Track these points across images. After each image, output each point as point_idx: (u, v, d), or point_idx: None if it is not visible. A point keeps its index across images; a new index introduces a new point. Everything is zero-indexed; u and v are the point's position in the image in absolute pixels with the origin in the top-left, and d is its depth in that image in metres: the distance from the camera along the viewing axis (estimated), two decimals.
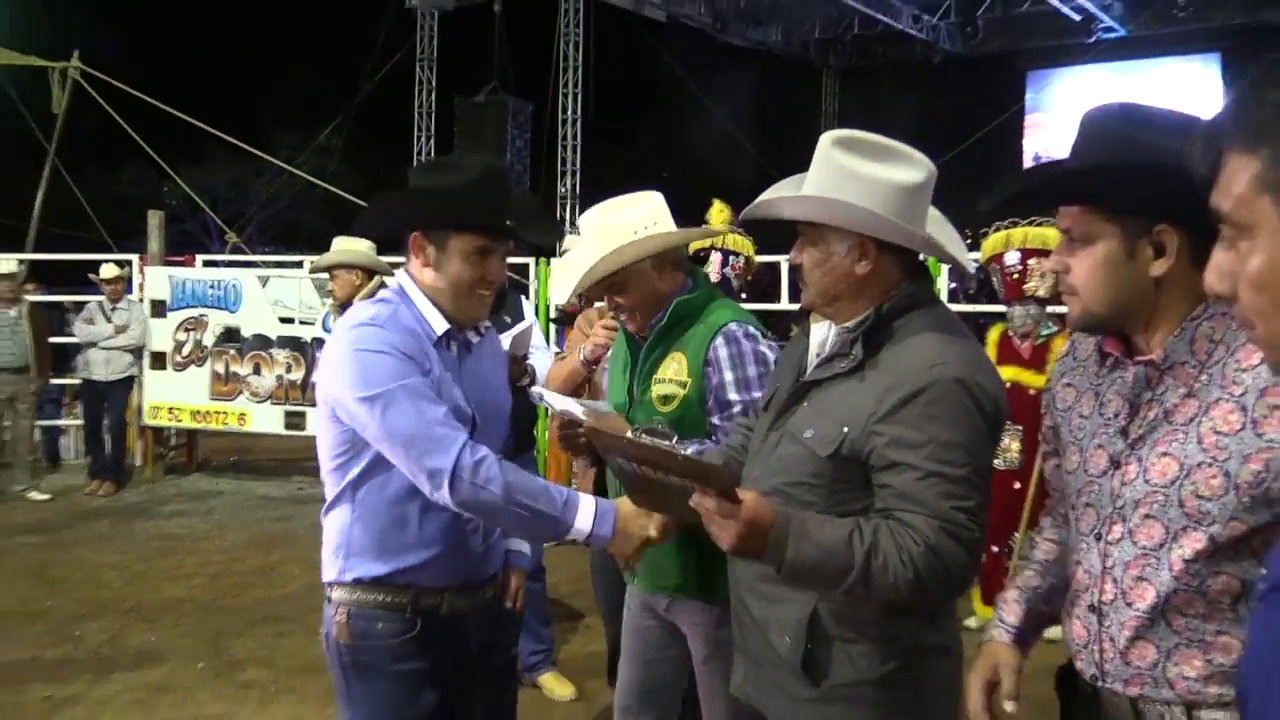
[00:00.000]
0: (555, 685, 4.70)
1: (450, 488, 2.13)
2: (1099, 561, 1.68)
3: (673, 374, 2.69)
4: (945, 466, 1.87)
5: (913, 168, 2.04)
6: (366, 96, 17.57)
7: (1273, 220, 1.02)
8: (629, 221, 2.73)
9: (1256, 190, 1.02)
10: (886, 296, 2.03)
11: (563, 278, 3.04)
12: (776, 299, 8.58)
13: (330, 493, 2.38)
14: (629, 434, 2.20)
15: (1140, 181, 1.45)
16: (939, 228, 2.14)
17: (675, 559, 2.73)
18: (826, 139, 2.07)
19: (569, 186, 16.79)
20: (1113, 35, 18.03)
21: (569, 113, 16.87)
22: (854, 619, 1.81)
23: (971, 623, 5.16)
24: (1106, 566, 1.67)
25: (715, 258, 5.37)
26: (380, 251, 5.53)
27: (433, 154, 17.96)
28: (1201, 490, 1.55)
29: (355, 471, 2.32)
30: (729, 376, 2.63)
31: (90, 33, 14.78)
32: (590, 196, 16.60)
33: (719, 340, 2.65)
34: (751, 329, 2.70)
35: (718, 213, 5.56)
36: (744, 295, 5.79)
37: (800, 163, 2.12)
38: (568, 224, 15.87)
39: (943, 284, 8.47)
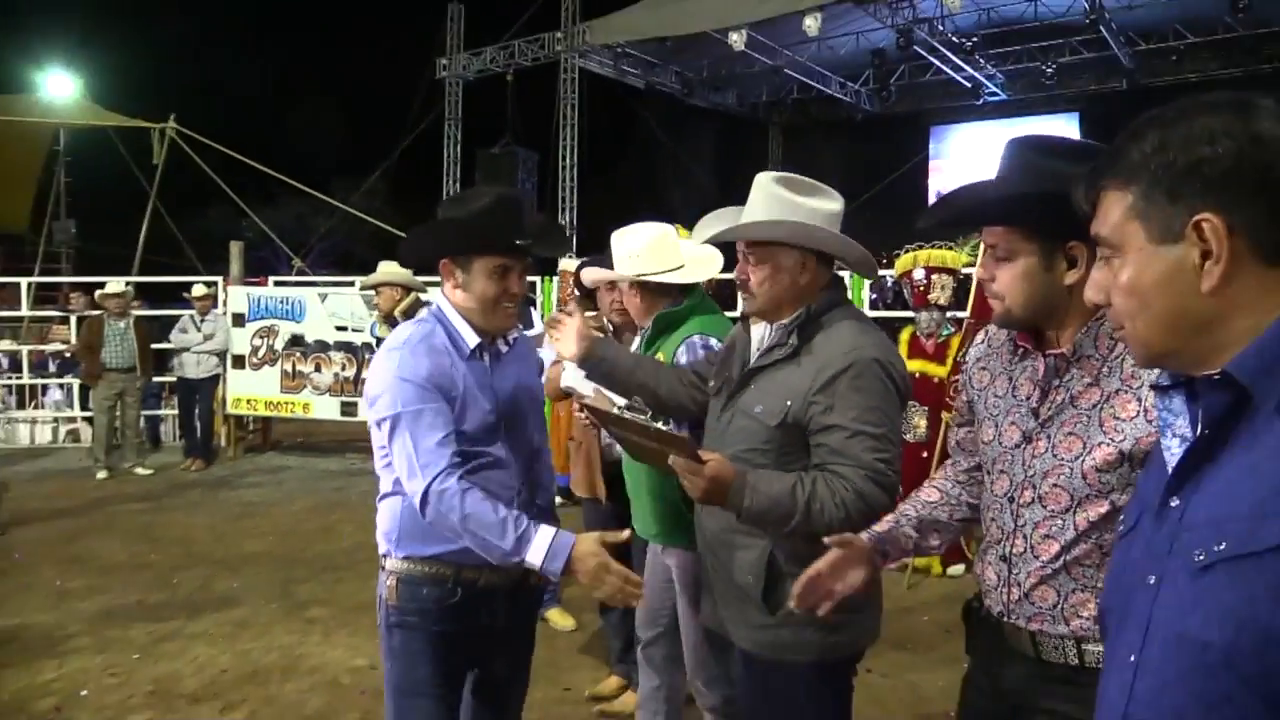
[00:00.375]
0: (559, 618, 4.65)
1: (421, 508, 2.04)
2: (1011, 520, 1.65)
3: None
4: (868, 426, 1.92)
5: (833, 199, 2.10)
6: (405, 149, 17.48)
7: (1139, 241, 1.05)
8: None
9: (1128, 218, 1.05)
10: (815, 299, 2.06)
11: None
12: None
13: (383, 484, 2.24)
14: (615, 410, 2.18)
15: (1054, 208, 1.42)
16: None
17: (652, 513, 2.84)
18: (766, 178, 2.08)
19: (567, 219, 16.73)
20: (996, 98, 18.03)
21: (567, 160, 16.81)
22: (803, 557, 1.80)
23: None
24: (1018, 524, 1.64)
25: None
26: (420, 274, 5.49)
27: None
28: (1100, 465, 1.54)
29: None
30: None
31: (185, 98, 14.67)
32: (585, 227, 16.58)
33: (682, 349, 2.75)
34: (710, 339, 2.75)
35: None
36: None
37: (746, 199, 2.12)
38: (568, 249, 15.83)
39: (865, 295, 8.46)
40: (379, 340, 5.41)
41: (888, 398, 1.97)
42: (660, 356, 2.77)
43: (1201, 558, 0.97)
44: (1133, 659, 1.04)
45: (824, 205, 2.05)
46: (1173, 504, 1.05)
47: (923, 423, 5.25)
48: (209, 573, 5.55)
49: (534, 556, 1.99)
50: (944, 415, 4.98)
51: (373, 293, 5.99)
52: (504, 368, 2.29)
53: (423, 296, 5.48)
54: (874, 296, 8.80)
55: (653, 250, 2.92)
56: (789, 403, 1.97)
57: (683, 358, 2.71)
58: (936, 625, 4.61)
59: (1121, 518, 1.20)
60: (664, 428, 1.97)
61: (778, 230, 2.02)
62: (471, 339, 2.21)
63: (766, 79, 17.74)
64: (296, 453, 9.89)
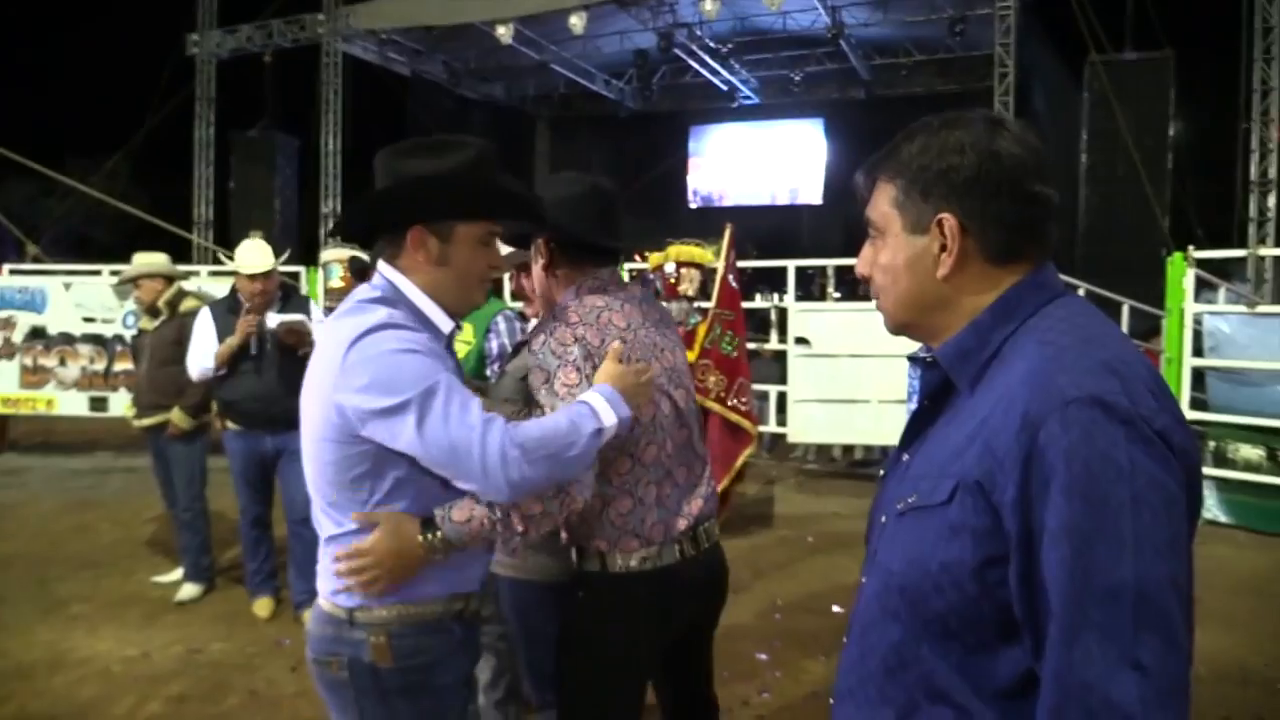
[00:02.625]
0: None
1: (505, 477, 1.63)
2: None
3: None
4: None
5: None
6: (152, 129, 16.44)
7: (897, 228, 1.23)
8: None
9: (891, 207, 1.23)
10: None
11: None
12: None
13: (336, 518, 1.75)
14: None
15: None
16: None
17: None
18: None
19: (330, 208, 16.35)
20: (750, 102, 19.23)
21: (330, 147, 16.40)
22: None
23: None
24: None
25: None
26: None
27: (211, 180, 17.02)
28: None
29: (379, 494, 1.71)
30: None
31: None
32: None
33: (500, 319, 3.30)
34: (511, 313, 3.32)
35: None
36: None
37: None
38: (331, 240, 15.51)
39: None
40: (140, 333, 5.31)
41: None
42: (470, 327, 3.10)
43: (900, 506, 1.20)
44: (864, 580, 1.29)
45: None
46: (904, 458, 1.27)
47: None
48: None
49: (608, 417, 1.78)
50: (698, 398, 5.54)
51: (130, 284, 5.86)
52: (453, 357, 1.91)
53: (186, 286, 5.44)
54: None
55: None
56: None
57: (502, 324, 3.22)
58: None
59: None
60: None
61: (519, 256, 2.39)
62: (444, 323, 1.82)
63: (534, 73, 18.05)
64: (38, 453, 9.28)
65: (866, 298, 12.21)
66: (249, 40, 16.44)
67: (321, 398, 1.70)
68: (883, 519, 1.27)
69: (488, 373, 3.14)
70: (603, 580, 2.05)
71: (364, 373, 1.65)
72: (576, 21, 14.05)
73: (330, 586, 1.78)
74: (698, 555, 2.11)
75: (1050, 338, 1.13)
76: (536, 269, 2.17)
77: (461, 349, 2.88)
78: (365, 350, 1.66)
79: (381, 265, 1.82)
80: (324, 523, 1.79)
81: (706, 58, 16.77)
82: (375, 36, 16.22)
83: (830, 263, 8.27)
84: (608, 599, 2.06)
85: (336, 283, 5.41)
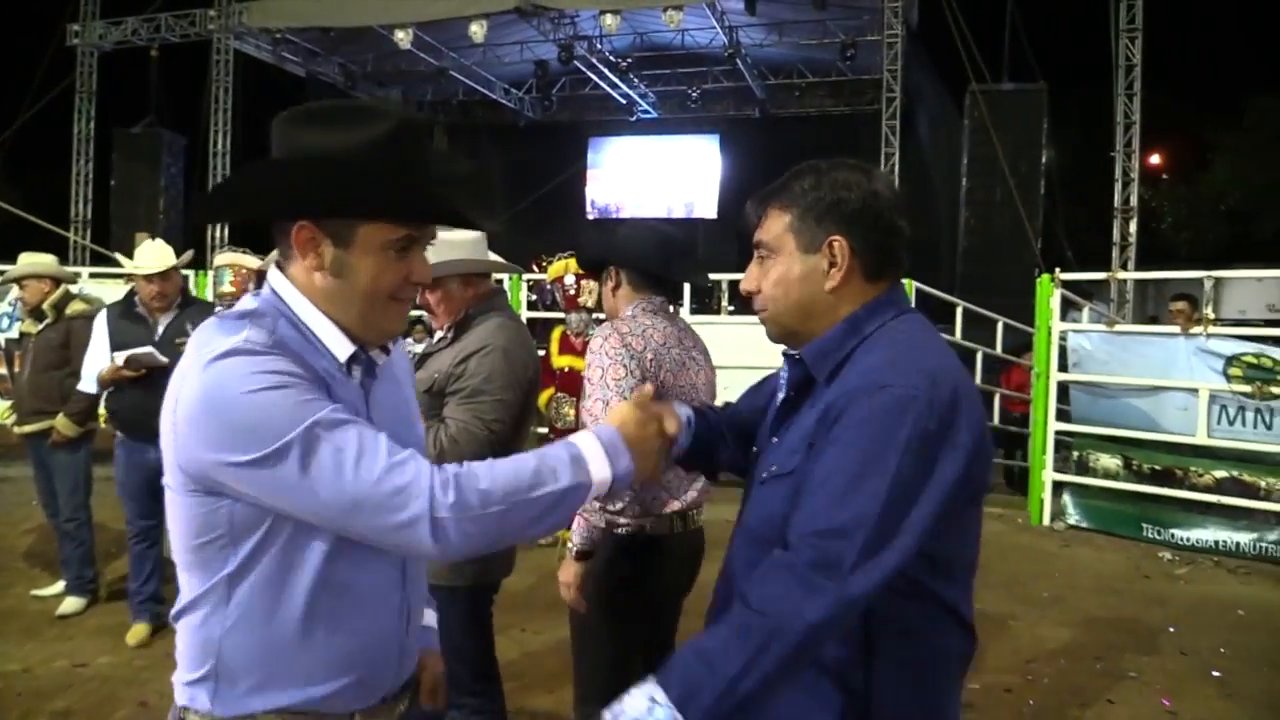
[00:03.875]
0: None
1: (434, 535, 1.24)
2: None
3: None
4: (487, 387, 2.52)
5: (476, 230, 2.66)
6: (26, 122, 15.71)
7: (791, 248, 1.48)
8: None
9: (786, 231, 1.48)
10: (475, 304, 2.66)
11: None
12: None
13: (190, 589, 1.35)
14: None
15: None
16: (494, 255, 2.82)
17: None
18: None
19: None
20: (648, 115, 19.51)
21: (219, 146, 15.97)
22: None
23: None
24: None
25: None
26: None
27: (90, 177, 16.34)
28: None
29: (232, 564, 1.31)
30: None
31: None
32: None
33: None
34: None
35: None
36: None
37: None
38: (220, 241, 15.10)
39: (523, 297, 9.11)
40: (21, 336, 5.14)
41: (510, 373, 2.54)
42: None
43: (764, 475, 1.48)
44: (733, 536, 1.56)
45: (469, 235, 2.62)
46: (774, 440, 1.52)
47: (572, 411, 5.93)
48: None
49: (599, 468, 1.35)
50: None
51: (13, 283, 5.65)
52: (381, 390, 1.48)
53: (72, 289, 5.29)
54: (533, 298, 9.48)
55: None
56: (437, 375, 2.55)
57: None
58: None
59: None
60: None
61: (439, 269, 2.54)
62: (342, 348, 1.39)
63: (432, 79, 17.94)
64: None
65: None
66: (134, 33, 15.91)
67: (177, 444, 1.28)
68: (751, 489, 1.56)
69: None
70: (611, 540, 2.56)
71: (214, 420, 1.24)
72: (477, 29, 14.05)
73: (181, 675, 1.38)
74: (685, 531, 2.65)
75: (887, 345, 1.41)
76: (606, 289, 2.69)
77: None
78: (215, 390, 1.24)
79: (271, 270, 1.43)
80: (186, 587, 1.37)
81: (606, 71, 16.96)
82: (269, 35, 15.90)
83: (725, 277, 8.50)
84: (614, 554, 2.57)
85: (227, 288, 5.34)
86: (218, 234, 15.58)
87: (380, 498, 1.23)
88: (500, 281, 8.42)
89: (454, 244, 2.58)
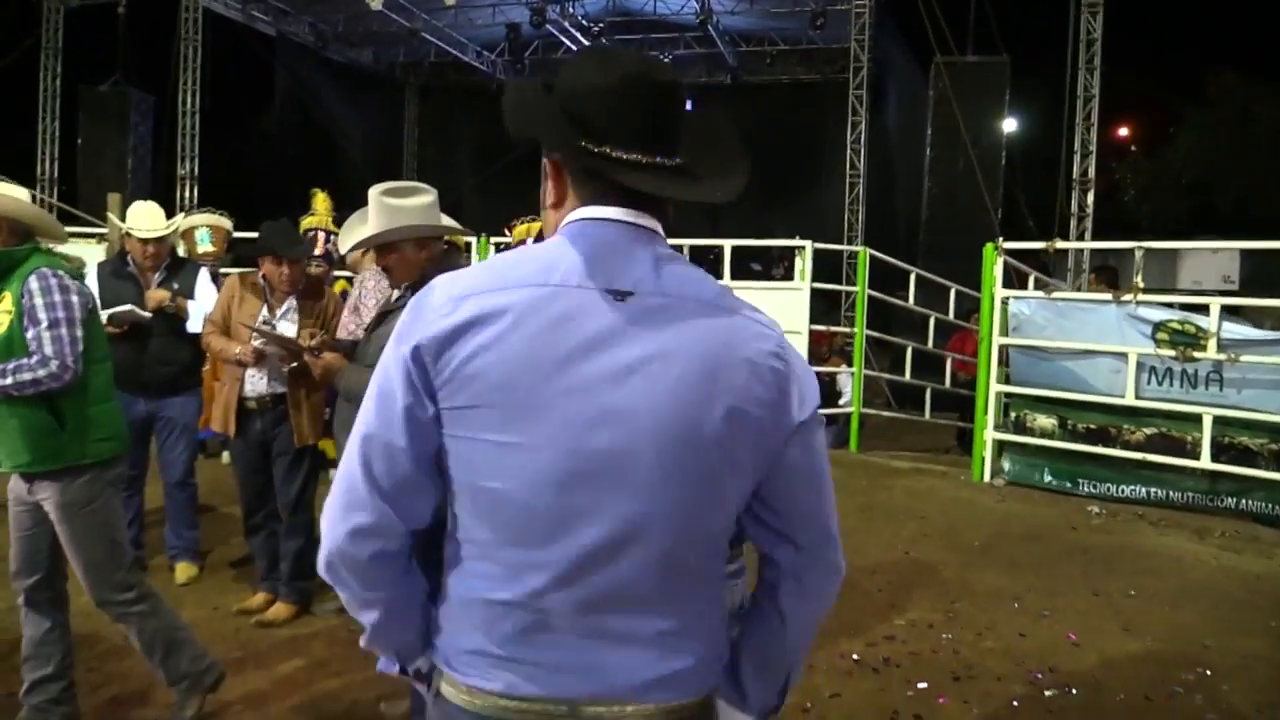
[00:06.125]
0: (181, 571, 4.85)
1: None
2: None
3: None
4: None
5: (426, 194, 2.92)
6: None
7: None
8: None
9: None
10: (433, 264, 2.87)
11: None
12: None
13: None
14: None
15: None
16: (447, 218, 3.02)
17: (23, 439, 2.90)
18: (375, 192, 2.87)
19: (188, 170, 15.98)
20: None
21: (188, 106, 15.97)
22: None
23: None
24: None
25: (320, 236, 5.49)
26: None
27: (56, 135, 16.36)
28: None
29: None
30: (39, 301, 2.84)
31: None
32: (207, 179, 15.94)
33: (33, 278, 2.87)
34: (59, 272, 2.93)
35: (321, 200, 5.71)
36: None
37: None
38: (189, 202, 15.21)
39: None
40: None
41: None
42: (9, 294, 2.89)
43: None
44: None
45: (421, 201, 2.86)
46: None
47: None
48: None
49: None
50: None
51: None
52: None
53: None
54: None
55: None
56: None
57: (34, 284, 2.86)
58: None
59: None
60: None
61: (393, 233, 2.83)
62: None
63: (404, 40, 17.97)
64: None
65: (756, 276, 12.81)
66: None
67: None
68: None
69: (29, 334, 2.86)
70: None
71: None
72: None
73: None
74: None
75: None
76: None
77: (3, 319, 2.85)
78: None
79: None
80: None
81: (579, 35, 17.09)
82: None
83: (688, 242, 8.76)
84: None
85: (209, 247, 5.60)
86: (187, 195, 15.67)
87: None
88: (469, 245, 8.67)
89: (407, 209, 2.84)
